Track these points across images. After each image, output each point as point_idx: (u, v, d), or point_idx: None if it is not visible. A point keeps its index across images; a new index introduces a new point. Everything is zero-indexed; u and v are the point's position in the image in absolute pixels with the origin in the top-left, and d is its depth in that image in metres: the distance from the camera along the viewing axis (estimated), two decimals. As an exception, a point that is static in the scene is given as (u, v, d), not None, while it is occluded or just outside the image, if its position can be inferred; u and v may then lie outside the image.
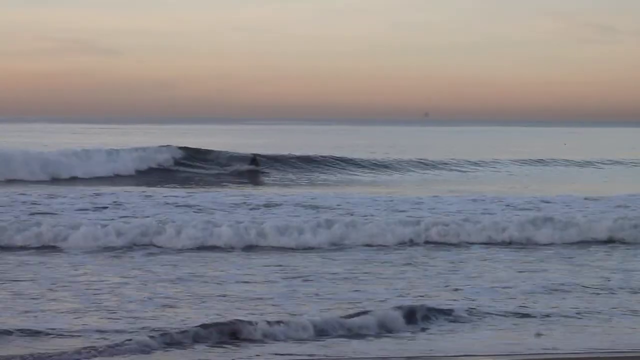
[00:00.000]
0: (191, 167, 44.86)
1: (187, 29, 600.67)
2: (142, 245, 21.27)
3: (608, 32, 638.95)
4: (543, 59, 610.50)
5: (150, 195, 29.45)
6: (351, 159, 50.05)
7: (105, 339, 12.49)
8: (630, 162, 57.05)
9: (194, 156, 46.33)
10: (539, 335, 13.57)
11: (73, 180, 39.37)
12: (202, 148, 48.57)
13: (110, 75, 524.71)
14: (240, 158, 46.64)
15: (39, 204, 26.37)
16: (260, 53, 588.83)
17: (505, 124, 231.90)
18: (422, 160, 51.42)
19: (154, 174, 42.56)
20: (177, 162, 45.04)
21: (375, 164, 49.47)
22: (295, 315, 14.09)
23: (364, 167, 48.48)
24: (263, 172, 44.85)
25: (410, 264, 19.70)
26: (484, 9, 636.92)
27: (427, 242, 22.66)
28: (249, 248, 21.64)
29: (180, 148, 46.51)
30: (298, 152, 51.13)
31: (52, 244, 21.07)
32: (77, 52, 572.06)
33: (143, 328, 13.10)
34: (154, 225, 22.33)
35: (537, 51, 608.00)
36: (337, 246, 21.95)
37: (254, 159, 45.90)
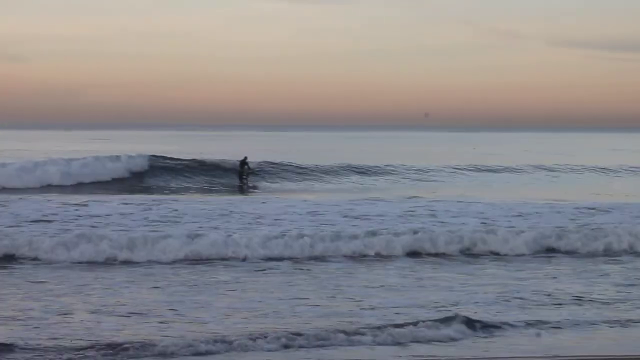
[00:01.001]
0: (183, 174, 45.00)
1: (97, 34, 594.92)
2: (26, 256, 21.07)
3: (513, 38, 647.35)
4: (452, 66, 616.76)
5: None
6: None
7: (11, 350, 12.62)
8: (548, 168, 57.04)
9: (185, 163, 46.68)
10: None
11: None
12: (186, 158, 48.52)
13: (16, 82, 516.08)
14: (229, 164, 47.03)
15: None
16: (172, 59, 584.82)
17: (422, 130, 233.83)
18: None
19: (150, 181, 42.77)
20: (166, 170, 45.19)
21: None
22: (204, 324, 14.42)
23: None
24: (256, 174, 45.59)
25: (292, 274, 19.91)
26: (395, 16, 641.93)
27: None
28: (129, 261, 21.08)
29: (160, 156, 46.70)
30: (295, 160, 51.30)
31: None
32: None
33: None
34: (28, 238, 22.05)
35: (447, 58, 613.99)
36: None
37: (244, 162, 45.75)
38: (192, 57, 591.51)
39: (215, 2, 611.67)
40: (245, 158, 46.08)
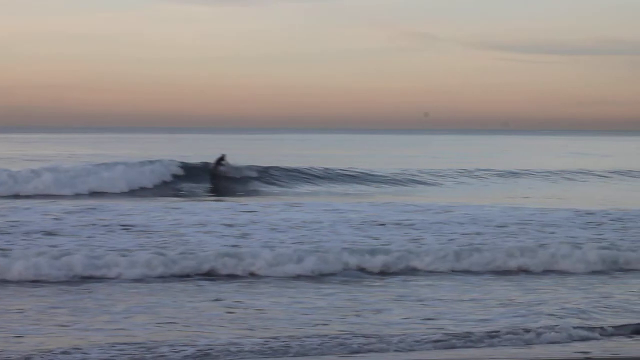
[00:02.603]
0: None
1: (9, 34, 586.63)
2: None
3: (428, 40, 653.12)
4: (369, 68, 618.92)
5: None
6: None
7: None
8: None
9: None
10: None
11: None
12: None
13: None
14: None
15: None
16: (88, 60, 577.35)
17: (333, 132, 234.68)
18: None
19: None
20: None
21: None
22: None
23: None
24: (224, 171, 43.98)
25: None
26: (306, 19, 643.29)
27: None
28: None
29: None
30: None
31: None
32: None
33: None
34: None
35: (363, 60, 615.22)
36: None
37: (222, 158, 44.52)
38: (107, 59, 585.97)
39: (128, 3, 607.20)
40: (224, 156, 44.68)
